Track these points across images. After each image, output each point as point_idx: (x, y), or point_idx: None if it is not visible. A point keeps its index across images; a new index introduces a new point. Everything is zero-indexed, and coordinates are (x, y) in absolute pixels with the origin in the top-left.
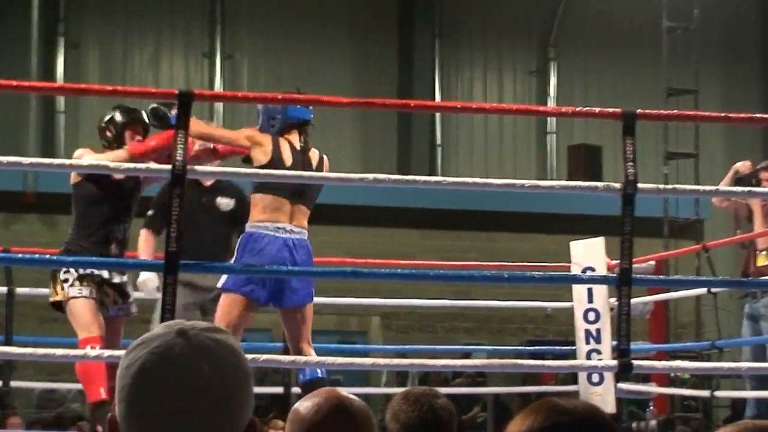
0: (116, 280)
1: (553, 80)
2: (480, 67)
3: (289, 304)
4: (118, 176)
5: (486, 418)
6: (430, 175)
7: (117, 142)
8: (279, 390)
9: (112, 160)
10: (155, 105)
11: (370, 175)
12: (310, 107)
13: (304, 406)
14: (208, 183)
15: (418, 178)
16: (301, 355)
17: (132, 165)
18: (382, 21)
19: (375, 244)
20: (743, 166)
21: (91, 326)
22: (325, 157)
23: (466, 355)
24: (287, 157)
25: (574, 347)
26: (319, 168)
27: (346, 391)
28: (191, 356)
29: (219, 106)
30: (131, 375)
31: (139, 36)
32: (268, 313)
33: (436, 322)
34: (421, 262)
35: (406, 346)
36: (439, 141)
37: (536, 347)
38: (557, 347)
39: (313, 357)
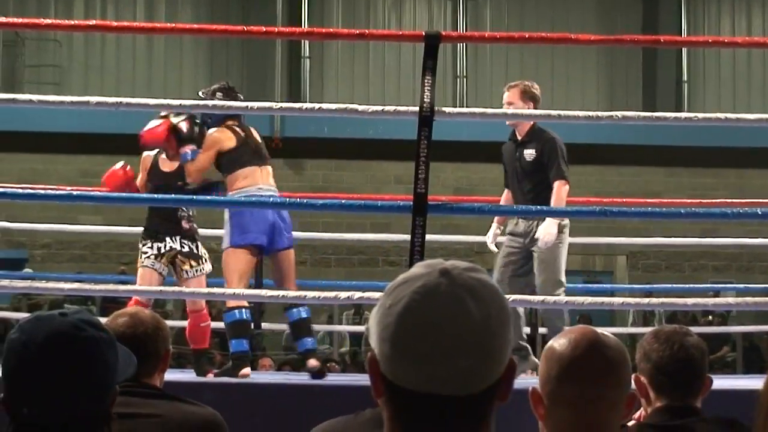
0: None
1: None
2: (728, 1)
3: (282, 246)
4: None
5: (735, 357)
6: (676, 111)
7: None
8: (526, 330)
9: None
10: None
11: (619, 113)
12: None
13: (559, 343)
14: (520, 137)
15: (668, 114)
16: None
17: (379, 108)
18: None
19: (619, 183)
20: None
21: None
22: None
23: (716, 293)
24: (243, 135)
25: None
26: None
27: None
28: (457, 296)
29: (461, 49)
30: (396, 314)
31: None
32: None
33: (684, 260)
34: (668, 200)
35: (653, 286)
36: (685, 77)
37: None
38: None
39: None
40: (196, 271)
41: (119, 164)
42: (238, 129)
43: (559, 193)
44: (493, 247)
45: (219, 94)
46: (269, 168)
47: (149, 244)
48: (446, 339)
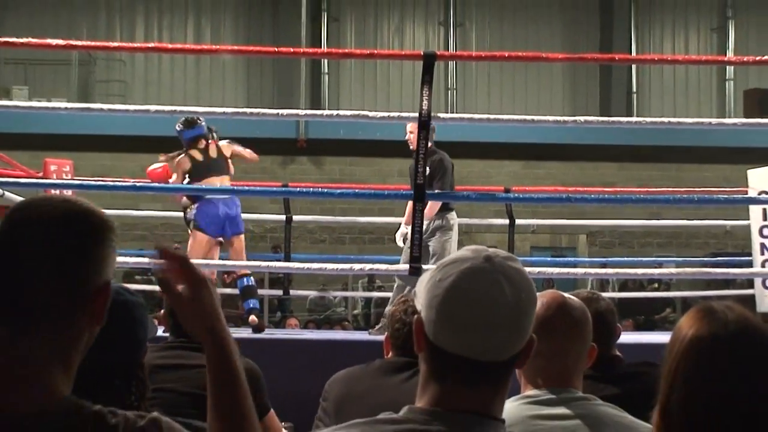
0: None
1: (731, 35)
2: (669, 25)
3: (233, 232)
4: None
5: (676, 317)
6: (627, 116)
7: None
8: None
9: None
10: (180, 125)
11: (581, 118)
12: (202, 124)
13: None
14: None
15: (621, 119)
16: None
17: (385, 114)
18: None
19: (581, 175)
20: None
21: None
22: (220, 143)
23: (659, 265)
24: (199, 157)
25: (750, 258)
26: (220, 153)
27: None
28: (496, 280)
29: (451, 66)
30: (444, 288)
31: (387, 9)
32: (496, 234)
33: (633, 238)
34: (620, 189)
35: (609, 259)
36: (634, 88)
37: (718, 258)
38: (736, 258)
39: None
40: None
41: (159, 164)
42: (197, 151)
43: (432, 205)
44: (400, 243)
45: (179, 126)
46: (227, 178)
47: None
48: (484, 314)
